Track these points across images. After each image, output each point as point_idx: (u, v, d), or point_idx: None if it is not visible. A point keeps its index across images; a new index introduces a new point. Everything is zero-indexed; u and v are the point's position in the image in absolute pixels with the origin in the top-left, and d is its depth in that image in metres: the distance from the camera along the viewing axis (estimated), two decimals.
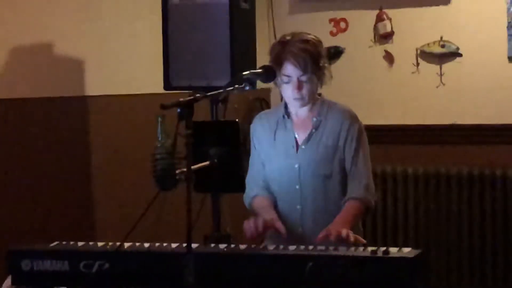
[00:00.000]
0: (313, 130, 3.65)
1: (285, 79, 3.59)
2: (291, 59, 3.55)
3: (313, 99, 3.65)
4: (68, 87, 4.71)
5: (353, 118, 3.67)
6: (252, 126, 3.78)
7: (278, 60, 3.58)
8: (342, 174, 3.63)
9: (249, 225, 3.50)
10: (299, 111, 3.68)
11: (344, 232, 3.38)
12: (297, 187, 3.63)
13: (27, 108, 4.53)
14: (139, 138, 4.64)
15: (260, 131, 3.74)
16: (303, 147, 3.64)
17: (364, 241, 3.44)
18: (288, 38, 3.61)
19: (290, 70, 3.57)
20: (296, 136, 3.67)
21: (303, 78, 3.57)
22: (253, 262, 3.21)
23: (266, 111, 3.94)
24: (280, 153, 3.67)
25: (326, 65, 3.64)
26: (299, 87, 3.58)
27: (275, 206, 3.68)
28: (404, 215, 5.23)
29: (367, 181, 3.63)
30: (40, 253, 3.38)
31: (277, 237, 3.53)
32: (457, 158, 5.23)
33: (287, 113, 3.70)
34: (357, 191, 3.59)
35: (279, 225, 3.52)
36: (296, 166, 3.64)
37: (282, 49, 3.58)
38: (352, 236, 3.38)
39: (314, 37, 3.64)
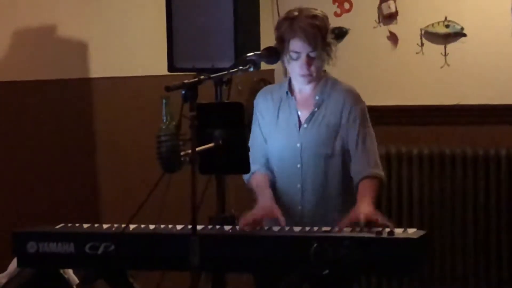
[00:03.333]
0: (316, 109, 3.63)
1: (293, 55, 3.56)
2: (300, 35, 3.51)
3: (319, 76, 3.63)
4: (72, 69, 4.70)
5: (356, 98, 3.66)
6: (255, 100, 3.76)
7: (286, 36, 3.55)
8: (343, 154, 3.61)
9: (247, 221, 3.44)
10: (303, 88, 3.66)
11: (374, 216, 3.35)
12: (298, 165, 3.63)
13: (31, 90, 4.52)
14: (144, 120, 4.63)
15: (263, 106, 3.72)
16: (305, 126, 3.63)
17: (392, 227, 3.28)
18: (295, 13, 3.58)
19: (299, 46, 3.53)
20: (299, 113, 3.66)
21: (313, 54, 3.55)
22: (258, 243, 3.22)
23: (270, 86, 3.91)
24: (282, 132, 3.66)
25: (332, 40, 3.62)
26: (308, 63, 3.55)
27: (273, 185, 3.65)
28: (408, 196, 5.23)
29: (375, 157, 3.62)
30: (45, 235, 3.40)
31: (275, 221, 3.49)
32: (462, 139, 5.22)
33: (290, 90, 3.68)
34: (368, 169, 3.57)
35: (280, 217, 3.46)
36: (298, 145, 3.63)
37: (290, 25, 3.54)
38: (381, 219, 3.34)
39: (321, 12, 3.61)
